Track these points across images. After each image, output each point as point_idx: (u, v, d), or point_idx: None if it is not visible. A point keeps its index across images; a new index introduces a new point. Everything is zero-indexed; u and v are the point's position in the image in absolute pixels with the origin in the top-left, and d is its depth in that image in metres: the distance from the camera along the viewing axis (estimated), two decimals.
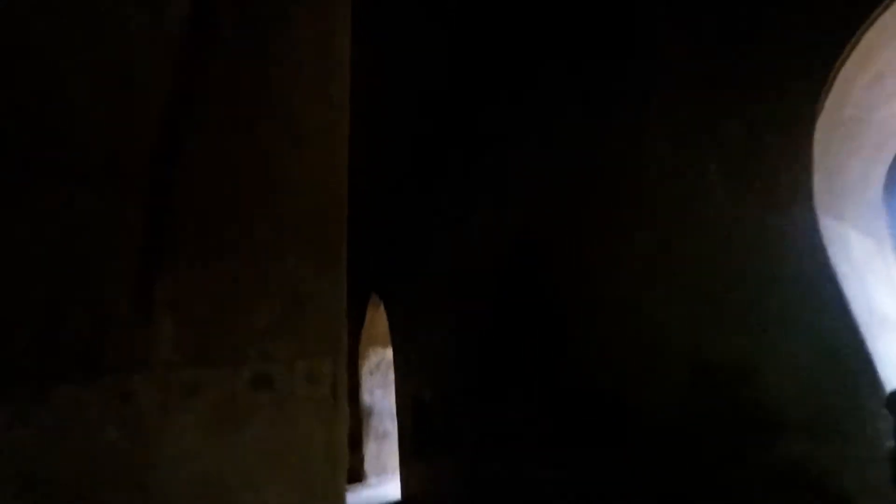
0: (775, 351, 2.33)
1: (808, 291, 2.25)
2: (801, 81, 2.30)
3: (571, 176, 3.53)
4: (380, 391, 7.44)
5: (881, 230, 3.11)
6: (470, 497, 4.41)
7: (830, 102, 2.25)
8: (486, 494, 4.18)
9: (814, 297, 2.23)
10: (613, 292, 3.11)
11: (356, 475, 6.89)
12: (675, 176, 2.83)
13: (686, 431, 2.66)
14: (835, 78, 2.20)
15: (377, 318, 7.48)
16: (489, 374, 4.28)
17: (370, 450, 7.10)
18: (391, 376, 7.38)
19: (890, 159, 3.05)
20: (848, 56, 2.26)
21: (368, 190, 6.94)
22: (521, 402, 3.85)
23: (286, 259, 0.95)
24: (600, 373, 3.11)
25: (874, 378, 2.04)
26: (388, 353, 7.57)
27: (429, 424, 5.29)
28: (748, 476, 2.39)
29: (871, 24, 2.16)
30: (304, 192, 1.02)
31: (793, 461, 2.25)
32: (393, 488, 6.20)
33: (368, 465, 6.96)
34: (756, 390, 2.39)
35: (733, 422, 2.47)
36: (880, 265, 2.89)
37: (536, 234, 3.82)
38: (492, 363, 4.26)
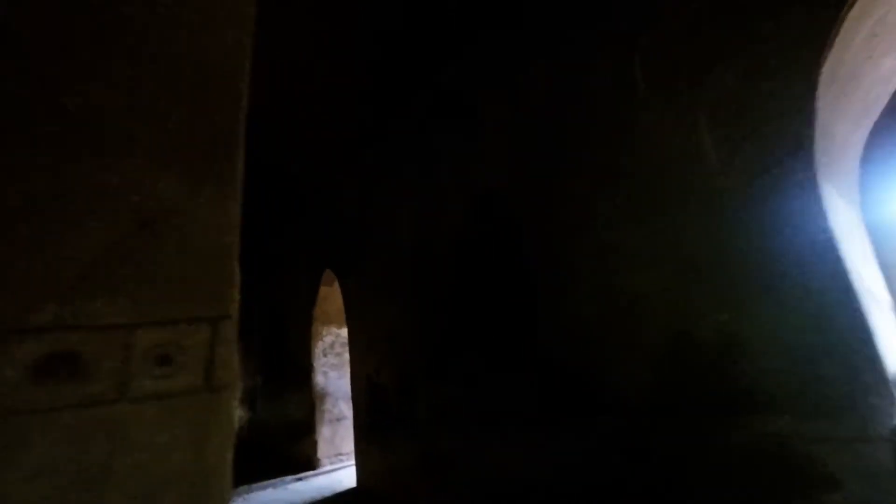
0: (763, 324, 2.14)
1: (803, 262, 2.06)
2: (806, 17, 2.06)
3: (544, 133, 3.22)
4: (335, 373, 7.05)
5: (856, 201, 3.01)
6: (429, 480, 4.16)
7: (835, 50, 2.03)
8: (445, 476, 3.94)
9: (809, 268, 2.04)
10: (588, 261, 2.86)
11: (309, 462, 6.53)
12: (660, 133, 2.57)
13: (662, 408, 2.47)
14: (843, 20, 1.98)
15: (331, 296, 7.03)
16: (450, 349, 4.00)
17: (323, 434, 6.73)
18: (347, 356, 7.00)
19: (870, 126, 2.93)
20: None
21: (320, 160, 6.41)
22: (485, 378, 3.59)
23: (131, 155, 0.56)
24: (572, 346, 2.87)
25: (872, 354, 1.88)
26: (344, 332, 7.17)
27: (385, 406, 4.98)
28: (729, 455, 2.23)
29: None
30: (166, 43, 0.60)
31: (778, 439, 2.10)
32: (348, 475, 5.89)
33: (322, 451, 6.59)
34: (741, 365, 2.20)
35: (714, 398, 2.28)
36: (860, 238, 2.79)
37: (504, 199, 3.52)
38: (453, 338, 3.97)
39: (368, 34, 4.28)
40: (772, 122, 2.14)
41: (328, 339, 7.15)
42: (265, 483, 5.89)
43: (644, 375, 2.47)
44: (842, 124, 2.63)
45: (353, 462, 6.01)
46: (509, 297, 3.38)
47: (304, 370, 7.03)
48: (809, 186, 2.06)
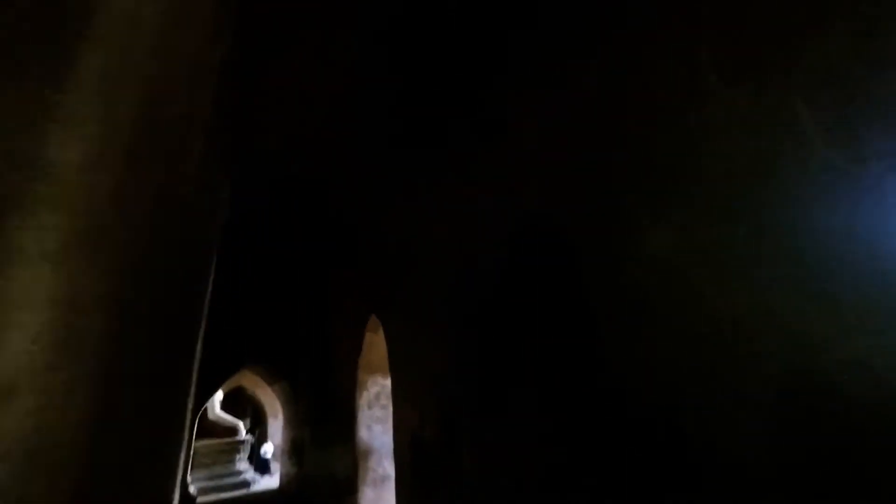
0: None
1: None
2: None
3: (596, 146, 2.82)
4: (379, 427, 6.58)
5: None
6: None
7: None
8: None
9: None
10: (661, 286, 2.33)
11: None
12: (744, 126, 2.09)
13: (775, 483, 1.80)
14: None
15: (377, 343, 6.71)
16: (496, 398, 3.46)
17: (367, 496, 6.17)
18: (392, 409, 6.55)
19: None
20: None
21: (363, 200, 6.34)
22: (536, 424, 3.01)
23: None
24: (647, 388, 2.28)
25: None
26: (389, 382, 6.76)
27: (430, 466, 4.42)
28: None
29: None
30: None
31: None
32: None
33: None
34: (889, 426, 1.55)
35: (848, 470, 1.62)
36: None
37: (552, 222, 3.08)
38: (500, 385, 3.44)
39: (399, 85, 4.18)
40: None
41: (373, 390, 6.76)
42: None
43: (751, 435, 1.84)
44: None
45: None
46: (565, 337, 2.86)
47: (350, 423, 6.63)
48: None
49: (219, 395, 12.43)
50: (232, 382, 12.45)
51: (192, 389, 1.82)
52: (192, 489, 7.41)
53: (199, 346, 1.83)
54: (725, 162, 2.21)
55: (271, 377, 8.74)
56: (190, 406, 1.79)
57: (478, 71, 4.03)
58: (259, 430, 13.98)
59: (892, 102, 1.63)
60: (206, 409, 11.33)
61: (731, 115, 2.19)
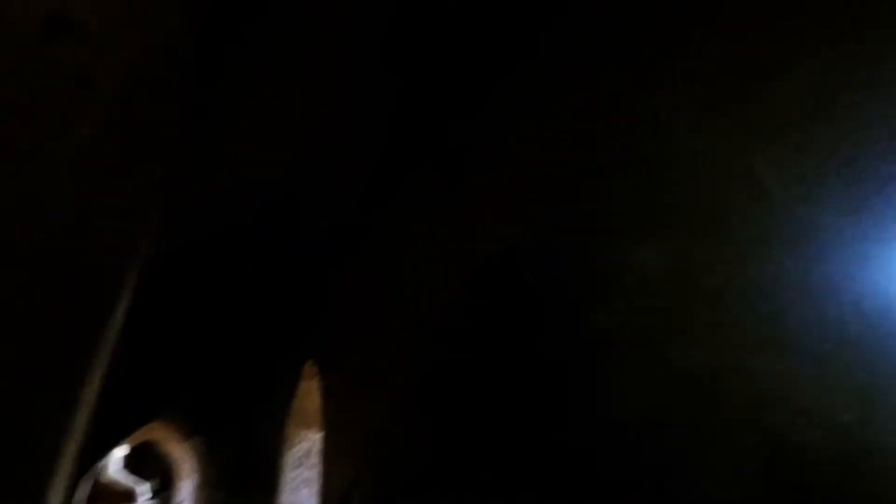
0: None
1: None
2: None
3: (564, 184, 2.77)
4: (307, 490, 5.90)
5: None
6: None
7: None
8: None
9: None
10: (631, 334, 2.21)
11: None
12: (709, 172, 2.10)
13: None
14: None
15: (311, 392, 6.15)
16: (445, 460, 3.13)
17: None
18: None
19: None
20: None
21: (306, 232, 6.00)
22: (494, 492, 2.71)
23: None
24: (620, 449, 2.09)
25: None
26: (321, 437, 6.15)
27: None
28: None
29: None
30: None
31: None
32: None
33: None
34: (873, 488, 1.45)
35: None
36: None
37: (516, 264, 2.96)
38: (451, 445, 3.13)
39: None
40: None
41: (303, 447, 6.11)
42: None
43: (731, 497, 1.69)
44: None
45: None
46: (527, 388, 2.65)
47: (274, 486, 5.89)
48: None
49: (121, 452, 10.84)
50: (139, 436, 10.94)
51: (70, 450, 1.48)
52: None
53: (87, 398, 1.51)
54: (688, 209, 2.19)
55: (186, 431, 7.72)
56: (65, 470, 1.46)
57: (442, 114, 3.99)
58: (165, 495, 12.25)
59: (852, 155, 1.66)
60: (100, 470, 9.80)
61: (693, 161, 2.20)
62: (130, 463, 11.83)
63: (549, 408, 2.47)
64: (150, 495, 10.76)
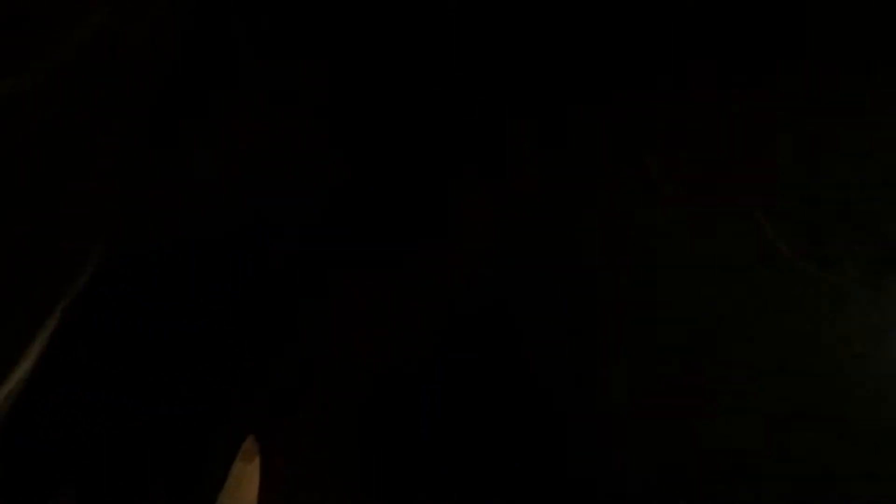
0: None
1: None
2: None
3: (547, 241, 2.71)
4: None
5: None
6: None
7: None
8: None
9: None
10: (628, 396, 2.06)
11: None
12: (700, 229, 2.11)
13: None
14: None
15: (249, 476, 5.35)
16: None
17: None
18: None
19: None
20: None
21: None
22: None
23: None
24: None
25: None
26: None
27: None
28: None
29: None
30: None
31: None
32: None
33: None
34: None
35: None
36: None
37: (495, 320, 2.79)
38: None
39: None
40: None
41: None
42: None
43: None
44: None
45: None
46: (516, 442, 2.38)
47: None
48: None
49: None
50: None
51: None
52: None
53: None
54: (679, 264, 2.18)
55: None
56: None
57: (421, 165, 3.93)
58: None
59: (852, 210, 1.71)
60: None
61: (684, 220, 2.22)
62: None
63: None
64: None
